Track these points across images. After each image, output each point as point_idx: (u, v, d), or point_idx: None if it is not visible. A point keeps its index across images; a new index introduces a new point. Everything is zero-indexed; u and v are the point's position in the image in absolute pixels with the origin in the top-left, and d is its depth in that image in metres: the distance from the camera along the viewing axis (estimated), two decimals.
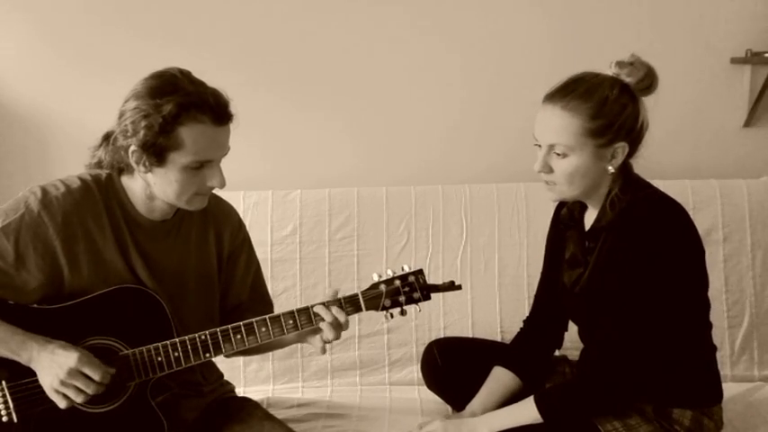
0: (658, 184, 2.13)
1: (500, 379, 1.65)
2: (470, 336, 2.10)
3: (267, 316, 1.42)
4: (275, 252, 2.13)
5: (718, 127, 2.33)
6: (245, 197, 2.16)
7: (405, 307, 1.45)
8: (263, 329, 1.41)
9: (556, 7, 2.24)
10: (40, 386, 1.34)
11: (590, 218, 1.54)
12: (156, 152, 1.33)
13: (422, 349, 1.93)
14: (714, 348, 1.56)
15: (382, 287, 1.44)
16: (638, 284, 1.38)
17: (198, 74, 1.40)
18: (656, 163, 2.27)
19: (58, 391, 1.31)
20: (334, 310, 1.41)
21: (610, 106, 1.38)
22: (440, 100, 2.30)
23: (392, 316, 1.45)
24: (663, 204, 1.43)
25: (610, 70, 1.43)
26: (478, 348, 1.91)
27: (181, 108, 1.30)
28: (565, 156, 1.41)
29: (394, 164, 2.32)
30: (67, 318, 1.38)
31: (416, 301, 1.45)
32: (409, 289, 1.44)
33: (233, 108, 1.39)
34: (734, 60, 2.26)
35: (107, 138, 1.42)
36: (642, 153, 1.48)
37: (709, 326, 1.54)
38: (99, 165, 1.45)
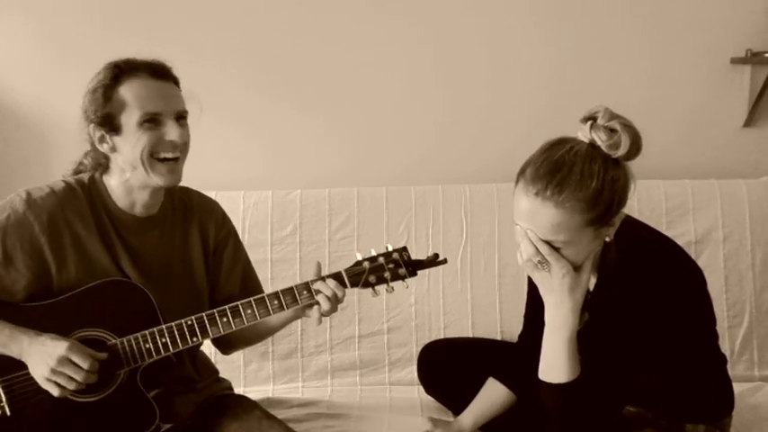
0: (658, 183, 2.18)
1: (494, 392, 1.64)
2: (470, 335, 2.10)
3: (252, 298, 1.43)
4: (275, 252, 2.13)
5: (718, 127, 2.33)
6: (245, 197, 2.16)
7: (391, 284, 1.46)
8: (249, 311, 1.43)
9: (555, 6, 2.24)
10: (31, 379, 1.36)
11: None
12: (109, 121, 1.38)
13: (420, 348, 1.94)
14: (724, 359, 1.53)
15: (366, 264, 1.45)
16: (649, 329, 1.34)
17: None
18: (657, 163, 2.30)
19: (49, 380, 1.34)
20: (332, 284, 1.43)
21: (607, 191, 1.23)
22: (440, 99, 2.30)
23: (378, 293, 1.46)
24: (661, 251, 1.38)
25: (583, 132, 1.26)
26: (473, 349, 1.91)
27: (115, 69, 1.38)
28: (560, 248, 1.29)
29: (394, 163, 2.32)
30: (55, 313, 1.40)
31: (402, 278, 1.46)
32: (394, 265, 1.45)
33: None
34: (734, 60, 2.26)
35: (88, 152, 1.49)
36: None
37: (716, 337, 1.52)
38: (80, 166, 1.51)
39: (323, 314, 1.43)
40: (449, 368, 1.85)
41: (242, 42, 2.24)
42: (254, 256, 2.07)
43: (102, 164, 1.46)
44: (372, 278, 1.45)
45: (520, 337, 1.69)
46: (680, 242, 2.06)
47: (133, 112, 1.37)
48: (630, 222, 1.42)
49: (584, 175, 1.22)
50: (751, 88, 2.28)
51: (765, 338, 2.11)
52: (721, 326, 2.07)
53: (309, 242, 2.14)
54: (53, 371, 1.32)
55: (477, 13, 2.24)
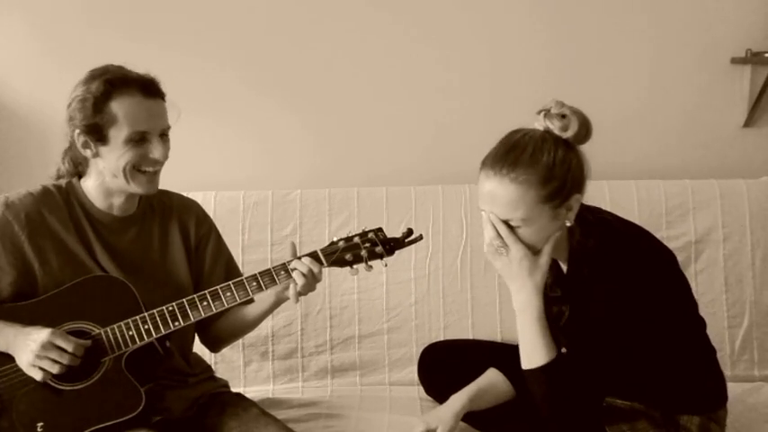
0: (658, 183, 2.18)
1: (492, 378, 1.64)
2: (470, 336, 2.10)
3: (231, 281, 1.47)
4: (275, 252, 2.13)
5: (718, 127, 2.33)
6: (245, 197, 2.16)
7: (369, 262, 1.49)
8: (228, 294, 1.46)
9: (555, 5, 2.24)
10: (18, 370, 1.40)
11: (560, 262, 1.52)
12: (96, 131, 1.42)
13: (422, 349, 1.94)
14: (713, 350, 1.55)
15: (341, 243, 1.49)
16: (624, 315, 1.36)
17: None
18: (656, 163, 2.31)
19: (34, 366, 1.37)
20: (308, 260, 1.46)
21: (558, 167, 1.34)
22: (440, 99, 2.30)
23: (357, 271, 1.49)
24: (627, 235, 1.44)
25: (539, 122, 1.38)
26: (473, 350, 1.91)
27: (108, 84, 1.42)
28: (520, 227, 1.37)
29: (394, 163, 2.32)
30: (40, 310, 1.44)
31: (380, 256, 1.49)
32: (370, 244, 1.49)
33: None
34: (734, 60, 2.26)
35: (67, 151, 1.54)
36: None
37: (703, 324, 1.54)
38: (58, 172, 1.56)
39: (299, 292, 1.47)
40: (450, 370, 1.85)
41: (242, 42, 2.24)
42: (254, 256, 2.09)
43: (80, 168, 1.52)
44: (349, 256, 1.48)
45: None
46: (680, 242, 2.11)
47: (123, 129, 1.42)
48: (596, 210, 1.48)
49: (535, 152, 1.34)
50: (751, 88, 2.28)
51: (765, 338, 2.11)
52: (721, 326, 2.08)
53: (309, 242, 2.13)
54: (37, 356, 1.36)
55: (477, 13, 2.25)
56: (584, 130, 1.36)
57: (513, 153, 1.35)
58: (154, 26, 2.22)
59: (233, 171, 2.30)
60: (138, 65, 1.47)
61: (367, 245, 1.49)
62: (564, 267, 1.50)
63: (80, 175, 1.54)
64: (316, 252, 1.49)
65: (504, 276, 1.43)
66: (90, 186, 1.51)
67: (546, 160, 1.33)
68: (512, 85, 2.28)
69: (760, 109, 2.29)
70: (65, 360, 1.37)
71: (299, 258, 1.48)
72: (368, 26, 2.25)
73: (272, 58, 2.26)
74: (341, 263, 1.49)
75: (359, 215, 2.16)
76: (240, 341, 2.01)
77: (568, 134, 1.35)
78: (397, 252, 1.52)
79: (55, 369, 1.37)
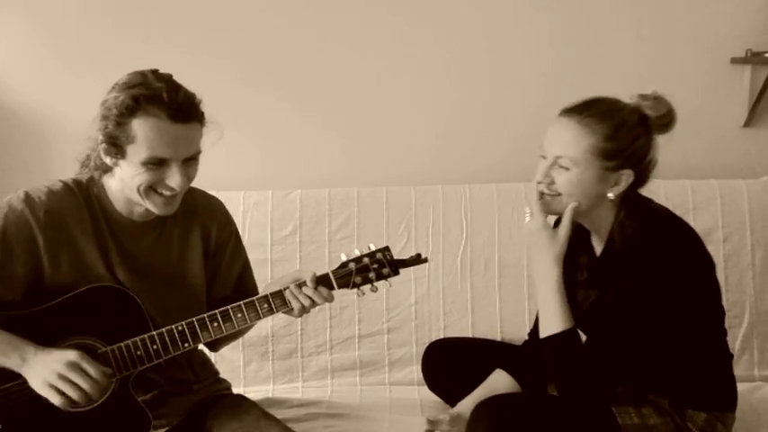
0: (658, 184, 2.15)
1: (498, 381, 1.64)
2: (470, 336, 2.10)
3: (242, 302, 1.43)
4: (275, 252, 2.13)
5: (718, 127, 2.33)
6: (245, 197, 2.16)
7: (375, 283, 1.47)
8: (239, 315, 1.42)
9: (556, 6, 2.24)
10: (23, 390, 1.33)
11: (595, 243, 1.53)
12: (116, 144, 1.34)
13: (422, 349, 1.94)
14: (730, 356, 1.55)
15: (352, 265, 1.46)
16: (648, 298, 1.36)
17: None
18: (657, 163, 2.30)
19: (52, 386, 1.30)
20: (325, 292, 1.43)
21: (625, 132, 1.39)
22: (440, 100, 2.30)
23: (363, 293, 1.47)
24: (671, 226, 1.43)
25: (631, 100, 1.44)
26: (478, 348, 1.91)
27: (134, 100, 1.31)
28: (568, 169, 1.41)
29: (394, 163, 2.33)
30: (44, 320, 1.38)
31: (386, 277, 1.47)
32: (378, 265, 1.46)
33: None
34: (734, 60, 2.26)
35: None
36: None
37: (724, 332, 1.54)
38: (87, 159, 1.47)
39: (306, 313, 1.46)
40: (455, 367, 1.85)
41: (242, 41, 2.25)
42: (253, 256, 2.07)
43: (103, 162, 1.44)
44: (358, 279, 1.46)
45: (529, 334, 1.71)
46: None
47: (140, 150, 1.32)
48: (648, 199, 1.50)
49: (610, 110, 1.41)
50: (751, 88, 2.28)
51: (765, 338, 2.11)
52: None
53: (309, 242, 2.14)
54: (60, 376, 1.29)
55: (478, 14, 2.25)
56: (669, 119, 1.44)
57: (593, 103, 1.42)
58: (155, 26, 2.22)
59: (233, 171, 2.30)
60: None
61: (375, 266, 1.46)
62: (599, 249, 1.51)
63: (105, 169, 1.45)
64: (328, 277, 1.45)
65: (527, 242, 1.49)
66: (113, 187, 1.44)
67: (617, 119, 1.39)
68: (512, 86, 2.28)
69: (760, 109, 2.29)
70: (87, 385, 1.30)
71: (313, 285, 1.44)
72: (368, 26, 2.25)
73: (273, 58, 2.26)
74: (350, 286, 1.46)
75: (359, 215, 2.16)
76: (240, 341, 2.01)
77: (651, 113, 1.42)
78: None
79: (74, 394, 1.29)
